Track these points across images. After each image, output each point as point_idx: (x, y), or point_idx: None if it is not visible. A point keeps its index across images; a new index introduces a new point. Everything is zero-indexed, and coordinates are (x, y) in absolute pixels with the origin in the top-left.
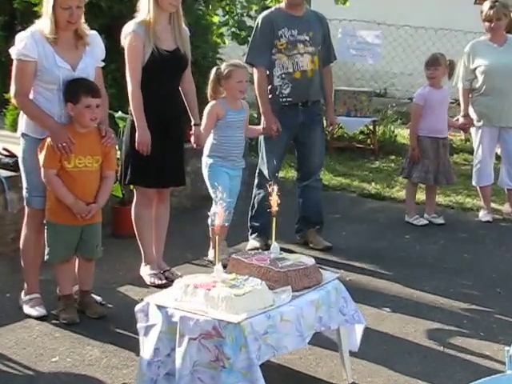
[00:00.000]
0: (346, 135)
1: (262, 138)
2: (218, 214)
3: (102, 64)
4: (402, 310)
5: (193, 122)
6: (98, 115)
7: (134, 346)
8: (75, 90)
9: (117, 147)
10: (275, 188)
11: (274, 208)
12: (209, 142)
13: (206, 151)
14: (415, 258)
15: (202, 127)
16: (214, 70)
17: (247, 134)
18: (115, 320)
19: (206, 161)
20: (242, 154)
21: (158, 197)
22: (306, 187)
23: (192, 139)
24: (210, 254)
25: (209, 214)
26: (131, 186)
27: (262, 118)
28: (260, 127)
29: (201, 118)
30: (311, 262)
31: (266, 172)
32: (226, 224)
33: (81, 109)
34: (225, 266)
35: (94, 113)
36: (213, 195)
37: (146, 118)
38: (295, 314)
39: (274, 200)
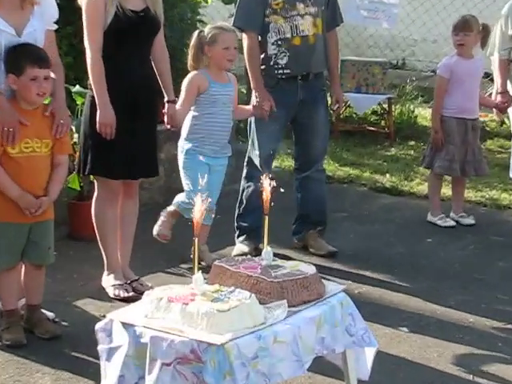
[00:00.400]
0: (355, 116)
1: (252, 119)
2: (197, 208)
3: (55, 27)
4: (423, 329)
5: (166, 99)
6: (46, 89)
7: (93, 374)
8: (18, 58)
9: (73, 128)
10: (268, 180)
11: (267, 205)
12: (187, 122)
13: (183, 133)
14: (439, 266)
15: (178, 104)
16: (195, 34)
17: (236, 114)
18: (71, 341)
19: (182, 145)
20: (228, 139)
21: (124, 190)
22: (306, 179)
23: (165, 119)
24: (155, 229)
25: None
26: (91, 177)
27: (253, 94)
28: (250, 107)
29: (177, 93)
30: (312, 270)
31: (257, 161)
32: (205, 223)
33: (25, 82)
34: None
35: (42, 87)
36: (185, 187)
37: (109, 93)
38: (292, 334)
39: (267, 195)
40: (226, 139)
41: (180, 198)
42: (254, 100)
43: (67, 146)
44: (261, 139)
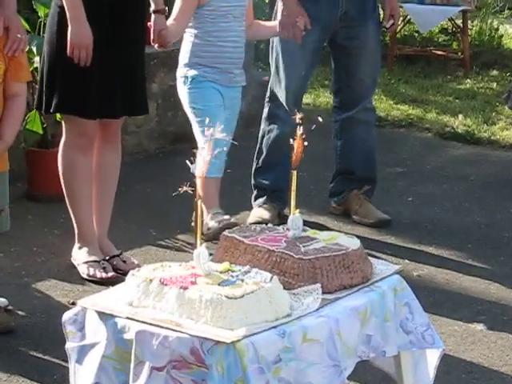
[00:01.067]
0: (417, 35)
1: (276, 39)
2: (201, 159)
3: None
4: (506, 327)
5: (152, 8)
6: None
7: (59, 380)
8: None
9: (34, 49)
10: (299, 122)
11: (297, 156)
12: (187, 43)
13: (183, 58)
14: None
15: (171, 18)
16: None
17: (251, 34)
18: (29, 336)
19: (183, 73)
20: (242, 64)
21: (101, 134)
22: (349, 121)
23: (151, 35)
24: (209, 222)
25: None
26: (58, 116)
27: (279, 5)
28: (275, 23)
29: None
30: (355, 245)
31: (282, 96)
32: (218, 175)
33: None
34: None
35: None
36: (197, 128)
37: (83, 2)
38: (327, 330)
39: (298, 143)
40: (240, 64)
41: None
42: (279, 14)
43: (25, 71)
44: (288, 67)
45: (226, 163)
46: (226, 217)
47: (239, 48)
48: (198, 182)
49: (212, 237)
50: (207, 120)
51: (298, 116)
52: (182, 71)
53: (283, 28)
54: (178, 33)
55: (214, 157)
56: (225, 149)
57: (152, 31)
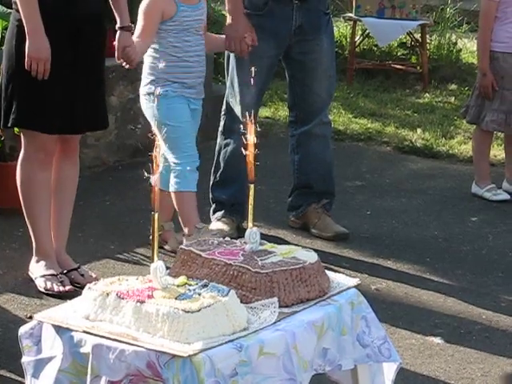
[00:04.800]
0: (375, 49)
1: (231, 53)
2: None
3: None
4: (463, 340)
5: (118, 24)
6: None
7: None
8: None
9: None
10: (252, 135)
11: (252, 170)
12: (150, 59)
13: (148, 76)
14: (486, 255)
15: (136, 34)
16: None
17: (205, 45)
18: None
19: (150, 90)
20: (204, 77)
21: (60, 149)
22: (306, 136)
23: (116, 52)
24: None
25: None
26: (16, 130)
27: (228, 19)
28: (222, 37)
29: (132, 19)
30: (312, 258)
31: (237, 109)
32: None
33: None
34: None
35: None
36: (171, 147)
37: (42, 15)
38: (284, 343)
39: (251, 155)
40: (203, 77)
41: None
42: (228, 28)
43: None
44: (242, 81)
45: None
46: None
47: (203, 62)
48: (154, 194)
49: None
50: (180, 135)
51: (252, 127)
52: (148, 88)
53: (230, 42)
54: (143, 50)
55: (190, 171)
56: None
57: (116, 48)
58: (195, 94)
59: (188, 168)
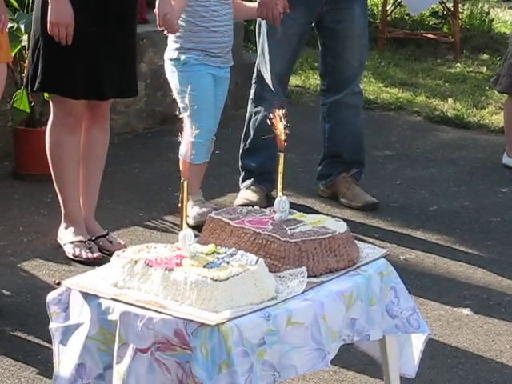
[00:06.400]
0: (407, 18)
1: (263, 21)
2: (185, 143)
3: None
4: (492, 311)
5: None
6: None
7: (43, 360)
8: None
9: (22, 28)
10: (284, 104)
11: (282, 137)
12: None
13: (173, 43)
14: None
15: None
16: None
17: (235, 14)
18: (14, 316)
19: (174, 56)
20: (231, 46)
21: (89, 114)
22: (337, 104)
23: (158, 20)
24: (190, 210)
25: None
26: (46, 95)
27: None
28: (255, 4)
29: None
30: (342, 228)
31: (268, 78)
32: (205, 161)
33: None
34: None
35: None
36: (187, 114)
37: None
38: (312, 313)
39: (282, 125)
40: (230, 46)
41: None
42: None
43: (4, 52)
44: (273, 49)
45: (213, 144)
46: (207, 208)
47: (230, 31)
48: (181, 165)
49: (192, 226)
50: (197, 104)
51: (283, 99)
52: (172, 54)
53: (262, 9)
54: (178, 15)
55: (200, 144)
56: (212, 137)
57: (158, 15)
58: (220, 62)
59: (200, 141)
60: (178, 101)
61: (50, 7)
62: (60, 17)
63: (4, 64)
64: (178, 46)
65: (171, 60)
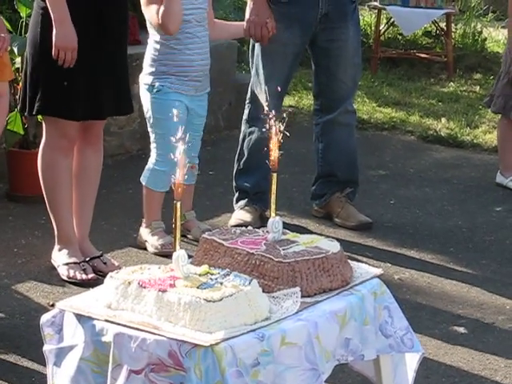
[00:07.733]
0: (400, 38)
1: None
2: (179, 167)
3: None
4: (486, 331)
5: None
6: None
7: (37, 382)
8: None
9: (15, 50)
10: (277, 124)
11: (275, 158)
12: (152, 49)
13: (148, 66)
14: (510, 245)
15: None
16: None
17: (215, 34)
18: (8, 338)
19: (148, 81)
20: (208, 71)
21: (83, 136)
22: (330, 124)
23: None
24: (148, 238)
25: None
26: (39, 118)
27: (248, 5)
28: (240, 23)
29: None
30: (335, 248)
31: (262, 98)
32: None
33: None
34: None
35: None
36: (155, 140)
37: (68, 3)
38: (306, 333)
39: (276, 145)
40: (207, 70)
41: (148, 164)
42: (248, 13)
43: (8, 70)
44: (268, 69)
45: (197, 169)
46: (164, 240)
47: (206, 54)
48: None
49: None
50: (164, 132)
51: (276, 118)
52: (147, 79)
53: (251, 28)
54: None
55: (163, 172)
56: (193, 162)
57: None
58: (194, 90)
59: (163, 169)
60: (148, 125)
61: (54, 32)
62: (66, 41)
63: (7, 83)
64: (153, 69)
65: (145, 85)
